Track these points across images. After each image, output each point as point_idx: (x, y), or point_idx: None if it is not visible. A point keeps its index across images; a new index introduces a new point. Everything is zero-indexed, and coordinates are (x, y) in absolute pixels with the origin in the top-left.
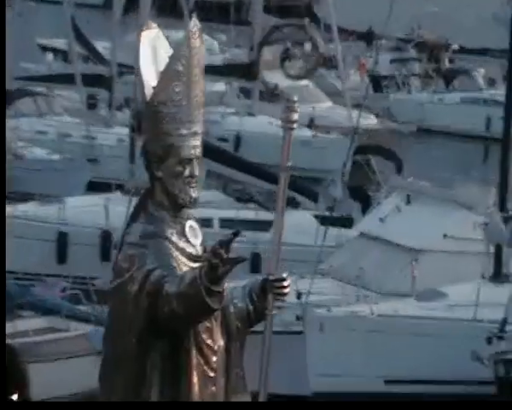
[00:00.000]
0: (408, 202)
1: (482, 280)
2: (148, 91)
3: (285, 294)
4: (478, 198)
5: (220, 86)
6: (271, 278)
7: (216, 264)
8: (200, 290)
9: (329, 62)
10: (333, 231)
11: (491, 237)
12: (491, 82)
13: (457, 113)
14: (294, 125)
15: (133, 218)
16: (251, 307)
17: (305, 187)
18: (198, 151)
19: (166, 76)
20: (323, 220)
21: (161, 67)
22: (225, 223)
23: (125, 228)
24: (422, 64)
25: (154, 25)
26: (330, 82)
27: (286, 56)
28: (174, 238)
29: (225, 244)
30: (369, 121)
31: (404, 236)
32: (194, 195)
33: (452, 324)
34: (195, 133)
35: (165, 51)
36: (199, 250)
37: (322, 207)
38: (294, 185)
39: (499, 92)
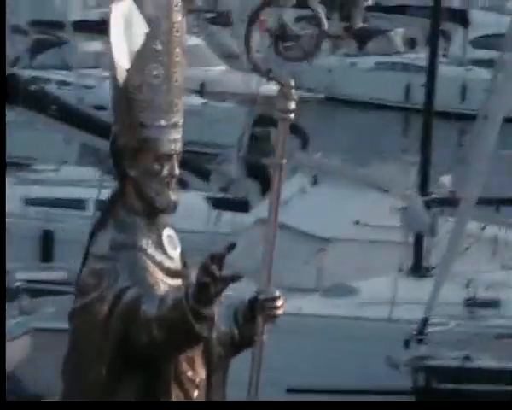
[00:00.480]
0: (314, 182)
1: (399, 274)
2: (121, 74)
3: (278, 315)
4: (395, 179)
5: (96, 46)
6: (262, 296)
7: (206, 283)
8: (186, 314)
9: (224, 19)
10: (227, 215)
11: (411, 225)
12: (411, 44)
13: (372, 79)
14: (291, 116)
15: (100, 225)
16: (236, 332)
17: (194, 164)
18: (178, 146)
19: (143, 56)
20: (216, 203)
21: (136, 46)
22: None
23: (91, 237)
24: (331, 23)
25: None
26: (225, 42)
27: (279, 35)
28: (150, 250)
29: (218, 259)
30: (270, 88)
31: (310, 222)
32: (173, 198)
33: (364, 324)
34: (176, 124)
35: (140, 27)
36: (178, 264)
37: (215, 187)
38: (182, 162)
39: (420, 56)
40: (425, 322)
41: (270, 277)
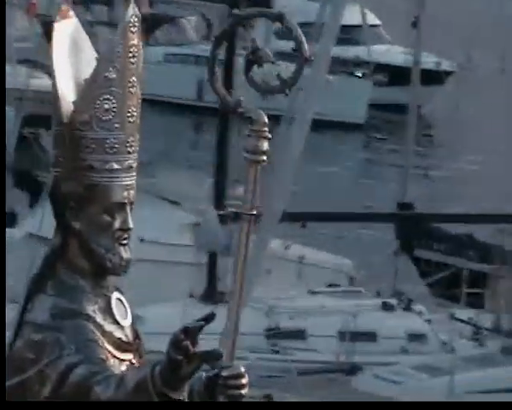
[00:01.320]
0: None
1: (190, 300)
2: (66, 108)
3: (242, 396)
4: (186, 190)
5: None
6: (225, 373)
7: (178, 361)
8: (151, 399)
9: None
10: None
11: (204, 243)
12: (206, 34)
13: (159, 74)
14: (263, 158)
15: (37, 287)
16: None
17: None
18: (132, 194)
19: (93, 86)
20: None
21: (85, 74)
22: None
23: (26, 301)
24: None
25: (71, 11)
26: None
27: (253, 60)
28: (98, 318)
29: (192, 333)
30: (42, 82)
31: None
32: (126, 255)
33: (150, 358)
34: (130, 168)
35: (88, 51)
36: (129, 335)
37: None
38: None
39: None
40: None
41: (234, 349)
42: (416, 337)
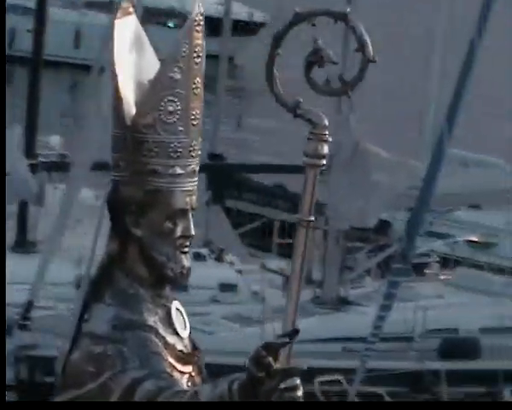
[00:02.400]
0: None
1: None
2: (128, 110)
3: (296, 398)
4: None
5: None
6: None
7: (260, 378)
8: None
9: None
10: None
11: (14, 192)
12: None
13: None
14: (323, 162)
15: (94, 296)
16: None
17: None
18: (194, 200)
19: (157, 88)
20: None
21: (147, 75)
22: None
23: (82, 310)
24: None
25: (131, 7)
26: None
27: (314, 61)
28: (160, 329)
29: (274, 350)
30: None
31: None
32: (187, 264)
33: None
34: (193, 172)
35: (149, 50)
36: (188, 346)
37: None
38: None
39: None
40: (29, 305)
41: (291, 349)
42: (227, 287)
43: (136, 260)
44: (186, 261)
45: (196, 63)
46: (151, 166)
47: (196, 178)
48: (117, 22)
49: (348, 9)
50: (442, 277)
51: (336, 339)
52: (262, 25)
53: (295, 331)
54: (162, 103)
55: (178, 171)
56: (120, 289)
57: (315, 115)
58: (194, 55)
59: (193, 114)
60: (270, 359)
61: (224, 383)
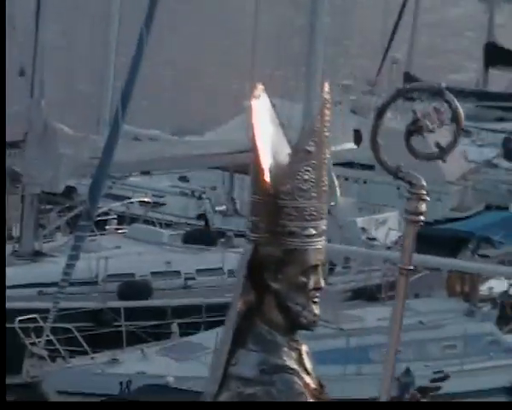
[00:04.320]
0: None
1: None
2: (268, 179)
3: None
4: None
5: None
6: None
7: None
8: None
9: None
10: None
11: None
12: None
13: None
14: (421, 218)
15: (238, 342)
16: None
17: None
18: (323, 256)
19: (295, 159)
20: None
21: (281, 147)
22: None
23: (229, 355)
24: None
25: (262, 88)
26: None
27: (414, 130)
28: (300, 371)
29: (427, 392)
30: None
31: None
32: (317, 312)
33: None
34: (323, 232)
35: (276, 124)
36: (316, 384)
37: None
38: None
39: None
40: None
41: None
42: None
43: (273, 309)
44: (316, 310)
45: (326, 136)
46: (289, 228)
47: (324, 237)
48: (253, 103)
49: (443, 84)
50: (119, 231)
51: (33, 285)
52: None
53: (447, 376)
54: (299, 173)
55: (312, 232)
56: (261, 336)
57: (414, 177)
58: (325, 129)
59: (323, 181)
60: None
61: None
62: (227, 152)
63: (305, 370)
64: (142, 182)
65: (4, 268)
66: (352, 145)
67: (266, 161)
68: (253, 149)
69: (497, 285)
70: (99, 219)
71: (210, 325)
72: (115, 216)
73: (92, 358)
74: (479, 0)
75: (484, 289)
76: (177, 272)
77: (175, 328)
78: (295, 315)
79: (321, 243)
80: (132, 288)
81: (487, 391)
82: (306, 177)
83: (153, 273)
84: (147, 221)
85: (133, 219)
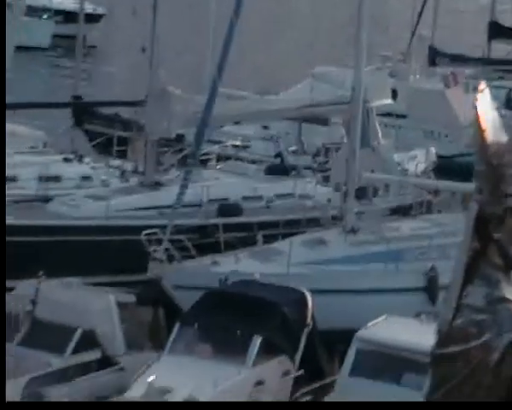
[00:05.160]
0: None
1: None
2: (491, 152)
3: None
4: None
5: None
6: None
7: None
8: None
9: None
10: None
11: None
12: None
13: None
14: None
15: (467, 278)
16: None
17: None
18: None
19: None
20: None
21: (499, 128)
22: None
23: (461, 289)
24: None
25: (484, 84)
26: None
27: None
28: None
29: None
30: None
31: None
32: None
33: None
34: None
35: (495, 110)
36: None
37: None
38: None
39: None
40: None
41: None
42: (86, 178)
43: (495, 254)
44: None
45: None
46: (508, 191)
47: None
48: (480, 95)
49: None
50: (217, 167)
51: (154, 207)
52: (102, 15)
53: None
54: None
55: None
56: (486, 275)
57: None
58: None
59: None
60: None
61: None
62: (295, 107)
63: None
64: (233, 130)
65: (4, 269)
66: (390, 101)
67: (490, 139)
68: (479, 130)
69: None
70: (202, 158)
71: (285, 236)
72: (214, 156)
73: (199, 261)
74: None
75: None
76: (261, 197)
77: (259, 238)
78: None
79: None
80: (228, 208)
81: None
82: None
83: (243, 197)
84: (238, 159)
85: (227, 158)
